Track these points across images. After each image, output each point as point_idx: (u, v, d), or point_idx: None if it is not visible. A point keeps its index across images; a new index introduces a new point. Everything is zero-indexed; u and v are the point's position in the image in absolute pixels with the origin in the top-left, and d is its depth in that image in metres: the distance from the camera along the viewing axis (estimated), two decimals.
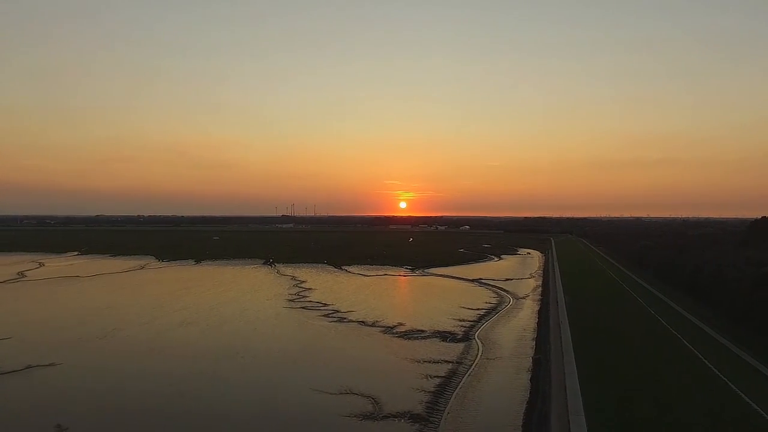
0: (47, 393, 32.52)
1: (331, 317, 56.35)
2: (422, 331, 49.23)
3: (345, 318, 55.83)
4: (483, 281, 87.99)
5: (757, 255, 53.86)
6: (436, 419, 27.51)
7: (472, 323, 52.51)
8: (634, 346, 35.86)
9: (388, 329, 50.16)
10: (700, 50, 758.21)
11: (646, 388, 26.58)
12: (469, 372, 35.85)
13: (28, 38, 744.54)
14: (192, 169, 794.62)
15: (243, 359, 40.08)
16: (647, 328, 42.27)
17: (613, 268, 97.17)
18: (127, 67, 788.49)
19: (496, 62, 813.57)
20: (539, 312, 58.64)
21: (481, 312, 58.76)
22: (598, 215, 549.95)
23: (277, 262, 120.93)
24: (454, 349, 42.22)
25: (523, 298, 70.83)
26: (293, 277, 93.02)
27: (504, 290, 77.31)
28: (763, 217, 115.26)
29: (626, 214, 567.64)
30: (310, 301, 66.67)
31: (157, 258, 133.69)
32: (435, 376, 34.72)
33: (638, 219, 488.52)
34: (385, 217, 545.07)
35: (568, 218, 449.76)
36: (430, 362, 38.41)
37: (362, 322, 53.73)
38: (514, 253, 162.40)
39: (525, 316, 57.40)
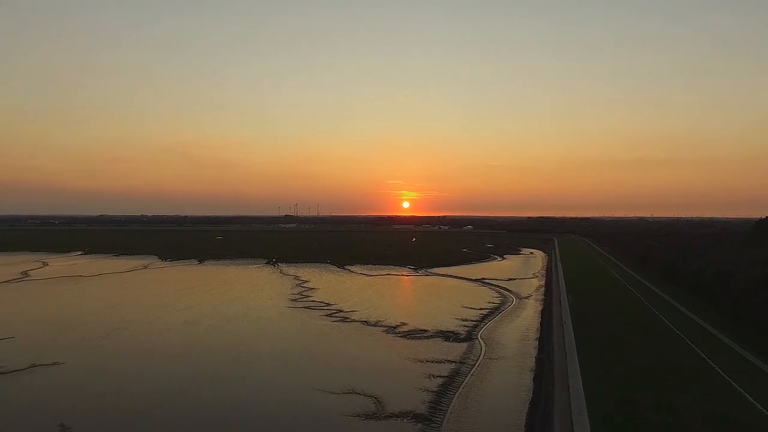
0: (51, 392, 32.59)
1: (334, 317, 56.33)
2: (425, 330, 49.16)
3: (348, 318, 55.81)
4: (486, 281, 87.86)
5: (762, 255, 53.49)
6: (438, 419, 27.46)
7: (475, 323, 52.42)
8: (637, 346, 35.69)
9: (391, 329, 50.12)
10: (704, 50, 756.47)
11: (650, 389, 26.44)
12: (472, 372, 35.78)
13: (31, 39, 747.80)
14: (195, 169, 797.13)
15: (246, 359, 40.09)
16: (650, 329, 42.08)
17: (616, 267, 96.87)
18: (129, 67, 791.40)
19: (500, 62, 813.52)
20: (542, 312, 58.52)
21: (484, 312, 58.67)
22: (602, 215, 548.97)
23: (280, 262, 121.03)
24: (457, 349, 42.15)
25: (527, 297, 70.70)
26: (296, 277, 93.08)
27: (507, 290, 77.17)
28: None
29: (630, 214, 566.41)
30: (313, 301, 66.68)
31: (160, 258, 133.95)
32: (438, 376, 34.66)
33: (642, 219, 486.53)
34: (388, 216, 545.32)
35: (571, 218, 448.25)
36: (432, 362, 38.36)
37: (365, 321, 53.70)
38: (517, 252, 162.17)
39: (528, 316, 57.29)
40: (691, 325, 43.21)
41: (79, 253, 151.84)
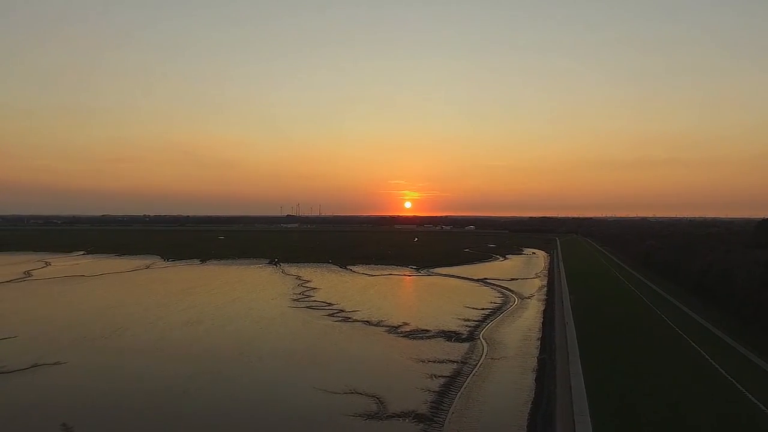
0: (53, 392, 32.62)
1: (336, 317, 56.32)
2: (427, 330, 49.12)
3: (350, 317, 55.79)
4: (488, 281, 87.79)
5: (765, 255, 53.34)
6: (440, 419, 27.43)
7: (477, 323, 52.36)
8: (640, 347, 35.60)
9: (393, 329, 50.08)
10: (706, 49, 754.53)
11: (653, 389, 26.36)
12: (473, 372, 35.74)
13: (34, 40, 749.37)
14: (197, 169, 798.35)
15: (248, 358, 40.10)
16: (653, 329, 41.96)
17: (618, 268, 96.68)
18: (132, 68, 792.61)
19: (502, 62, 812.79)
20: (544, 312, 58.42)
21: (486, 312, 58.60)
22: (604, 215, 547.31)
23: (282, 262, 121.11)
24: (459, 349, 42.10)
25: (528, 297, 70.61)
26: (298, 277, 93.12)
27: (509, 290, 77.09)
28: None
29: (632, 214, 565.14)
30: (315, 301, 66.69)
31: (162, 257, 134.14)
32: (440, 376, 34.62)
33: (644, 219, 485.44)
34: (390, 216, 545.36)
35: (573, 218, 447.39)
36: (434, 362, 38.32)
37: (367, 321, 53.69)
38: (519, 253, 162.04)
39: (530, 316, 57.22)
40: (693, 325, 43.09)
41: (82, 253, 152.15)
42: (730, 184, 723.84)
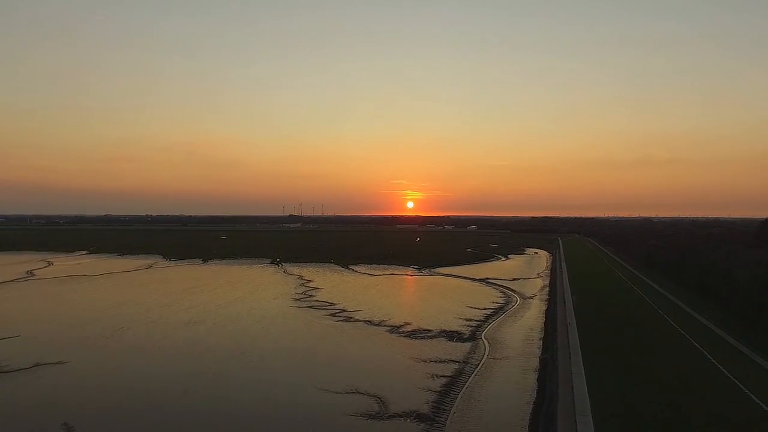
0: (54, 391, 32.65)
1: (338, 316, 56.30)
2: (429, 330, 49.07)
3: (351, 317, 55.77)
4: (490, 281, 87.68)
5: (767, 255, 53.19)
6: (442, 419, 27.38)
7: (478, 323, 52.29)
8: (642, 347, 35.52)
9: (395, 329, 50.04)
10: (708, 49, 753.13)
11: (655, 389, 26.28)
12: (475, 372, 35.68)
13: (36, 40, 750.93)
14: (200, 169, 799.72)
15: (249, 358, 40.10)
16: (655, 329, 41.87)
17: (621, 268, 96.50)
18: (134, 68, 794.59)
19: (504, 62, 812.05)
20: (546, 312, 58.34)
21: (488, 311, 58.53)
22: (606, 215, 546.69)
23: (284, 262, 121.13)
24: (461, 349, 42.05)
25: (531, 297, 70.51)
26: (300, 277, 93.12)
27: (511, 290, 76.97)
28: None
29: (634, 214, 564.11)
30: (317, 301, 66.68)
31: (164, 257, 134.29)
32: (441, 376, 34.57)
33: (646, 219, 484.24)
34: (392, 216, 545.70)
35: (575, 218, 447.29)
36: (436, 362, 38.27)
37: (369, 321, 53.66)
38: (521, 252, 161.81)
39: (532, 316, 57.12)
40: (695, 326, 42.98)
41: (84, 252, 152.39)
42: (732, 184, 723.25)
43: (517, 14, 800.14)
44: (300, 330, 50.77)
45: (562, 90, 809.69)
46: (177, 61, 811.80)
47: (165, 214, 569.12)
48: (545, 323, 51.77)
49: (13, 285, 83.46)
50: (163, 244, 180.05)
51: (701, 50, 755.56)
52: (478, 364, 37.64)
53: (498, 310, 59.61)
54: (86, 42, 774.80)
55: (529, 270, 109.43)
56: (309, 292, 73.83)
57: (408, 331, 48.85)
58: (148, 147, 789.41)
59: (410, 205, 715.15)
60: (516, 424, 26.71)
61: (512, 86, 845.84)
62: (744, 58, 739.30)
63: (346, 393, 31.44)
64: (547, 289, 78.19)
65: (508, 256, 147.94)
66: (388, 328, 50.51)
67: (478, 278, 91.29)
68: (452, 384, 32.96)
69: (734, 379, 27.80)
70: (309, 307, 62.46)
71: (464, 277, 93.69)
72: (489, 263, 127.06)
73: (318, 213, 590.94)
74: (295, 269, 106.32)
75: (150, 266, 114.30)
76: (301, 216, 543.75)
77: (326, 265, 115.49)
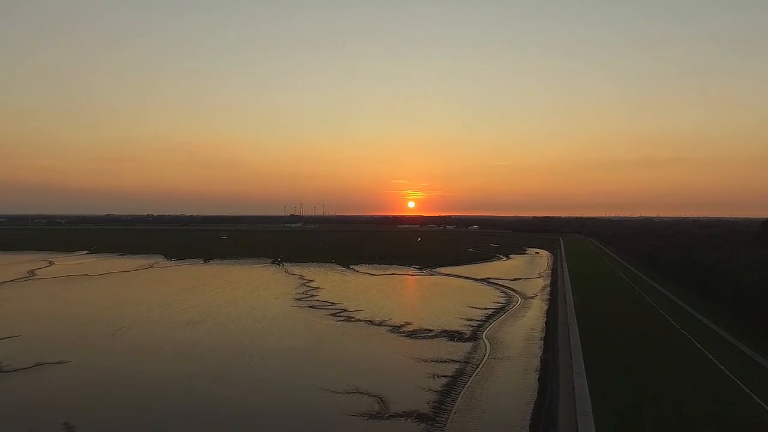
0: (55, 391, 32.64)
1: (339, 316, 56.27)
2: (429, 330, 49.01)
3: (352, 317, 55.73)
4: (491, 281, 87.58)
5: None
6: (443, 419, 27.33)
7: (479, 323, 52.23)
8: (643, 347, 35.46)
9: (396, 328, 49.99)
10: (710, 49, 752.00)
11: (656, 389, 26.22)
12: (476, 371, 35.61)
13: (37, 40, 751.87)
14: (201, 169, 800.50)
15: (250, 358, 40.06)
16: (657, 329, 41.81)
17: (622, 267, 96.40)
18: (135, 67, 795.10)
19: (505, 62, 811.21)
20: (547, 311, 58.26)
21: (489, 311, 58.45)
22: (607, 215, 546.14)
23: (285, 261, 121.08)
24: (462, 349, 41.98)
25: (532, 297, 70.41)
26: (301, 276, 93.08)
27: (512, 290, 76.87)
28: None
29: (636, 214, 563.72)
30: (318, 300, 66.64)
31: (165, 257, 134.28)
32: (442, 376, 34.51)
33: (648, 219, 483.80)
34: (394, 216, 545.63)
35: (576, 218, 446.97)
36: (437, 361, 38.21)
37: (369, 321, 53.61)
38: (522, 252, 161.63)
39: (533, 316, 57.04)
40: (697, 325, 42.92)
41: (85, 252, 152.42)
42: (734, 183, 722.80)
43: (518, 14, 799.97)
44: (301, 330, 50.74)
45: (563, 90, 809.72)
46: (178, 61, 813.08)
47: (166, 214, 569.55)
48: (546, 323, 51.68)
49: (14, 285, 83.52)
50: (164, 243, 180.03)
51: (703, 50, 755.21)
52: (479, 363, 37.58)
53: (499, 310, 59.53)
54: (86, 42, 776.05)
55: (530, 270, 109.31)
56: (310, 292, 73.80)
57: (409, 331, 48.79)
58: (149, 147, 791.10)
59: (411, 204, 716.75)
60: (517, 424, 26.64)
61: (513, 86, 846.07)
62: (745, 58, 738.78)
63: (347, 393, 31.39)
64: (548, 289, 78.08)
65: (510, 255, 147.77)
66: (389, 327, 50.46)
67: (479, 278, 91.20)
68: (453, 384, 32.90)
69: (735, 380, 27.74)
70: (310, 306, 62.41)
71: (465, 277, 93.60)
72: (490, 263, 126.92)
73: (319, 213, 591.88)
74: (296, 269, 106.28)
75: (151, 266, 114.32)
76: (303, 216, 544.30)
77: (327, 264, 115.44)
